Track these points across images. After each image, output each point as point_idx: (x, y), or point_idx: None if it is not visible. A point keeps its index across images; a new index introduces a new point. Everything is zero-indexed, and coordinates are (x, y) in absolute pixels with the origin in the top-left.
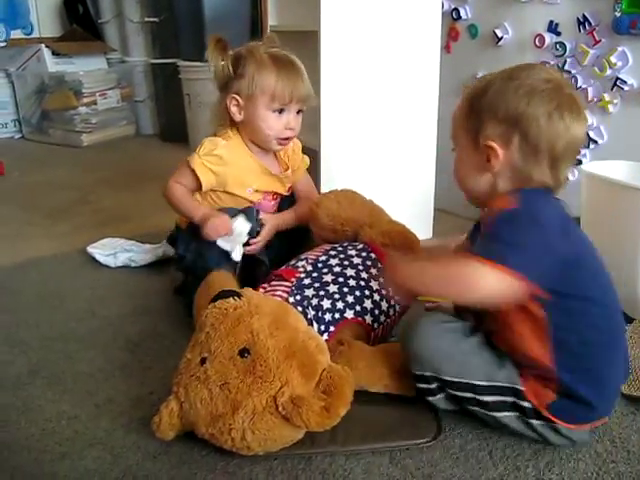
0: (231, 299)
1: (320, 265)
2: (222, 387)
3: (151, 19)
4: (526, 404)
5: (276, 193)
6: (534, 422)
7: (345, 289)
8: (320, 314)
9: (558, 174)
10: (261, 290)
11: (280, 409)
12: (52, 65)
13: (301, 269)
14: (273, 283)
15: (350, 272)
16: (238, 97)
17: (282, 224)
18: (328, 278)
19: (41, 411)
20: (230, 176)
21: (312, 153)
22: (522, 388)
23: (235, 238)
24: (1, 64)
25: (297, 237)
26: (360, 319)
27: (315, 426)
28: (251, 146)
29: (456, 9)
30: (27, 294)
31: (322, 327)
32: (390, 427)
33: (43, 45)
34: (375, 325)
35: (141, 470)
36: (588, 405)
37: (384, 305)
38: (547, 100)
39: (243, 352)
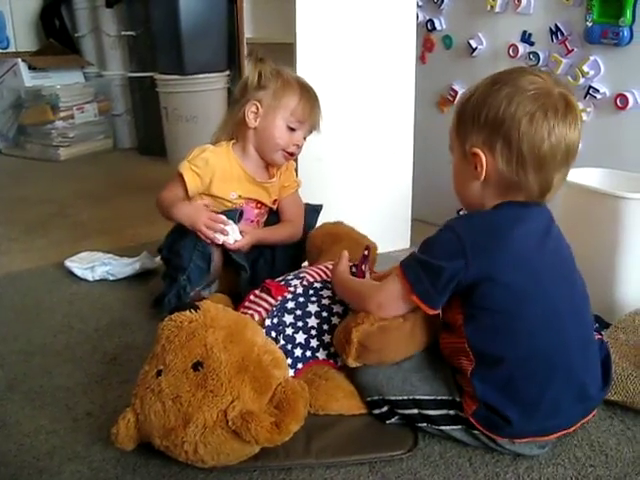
0: (187, 312)
1: (311, 292)
2: (174, 400)
3: (128, 33)
4: (464, 415)
5: (260, 202)
6: (476, 432)
7: (325, 326)
8: (290, 347)
9: (547, 178)
10: (246, 302)
11: (230, 424)
12: (28, 79)
13: (292, 289)
14: (260, 295)
15: (337, 309)
16: (259, 104)
17: (262, 240)
18: (312, 309)
19: (19, 426)
20: (215, 179)
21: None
22: (460, 399)
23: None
24: None
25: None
26: (332, 362)
27: (264, 442)
28: (248, 154)
29: (431, 20)
30: (4, 308)
31: (289, 361)
32: (365, 439)
33: (19, 59)
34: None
35: None
36: (505, 419)
37: None
38: (529, 102)
39: (196, 366)
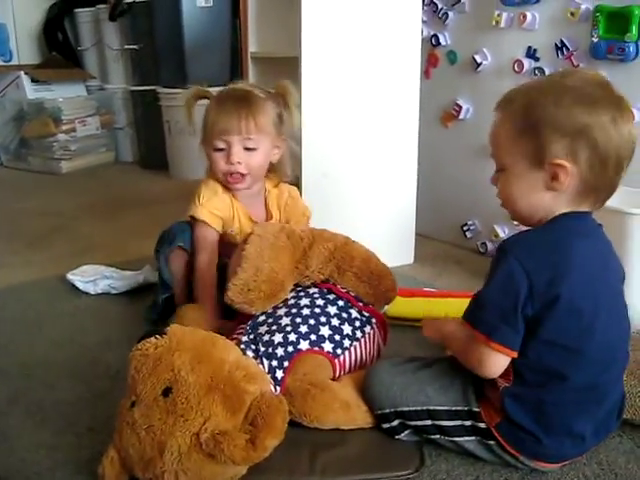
0: (153, 338)
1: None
2: (147, 430)
3: (131, 46)
4: (482, 425)
5: None
6: (492, 444)
7: (298, 319)
8: (271, 350)
9: (619, 180)
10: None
11: (204, 446)
12: (31, 92)
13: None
14: (238, 328)
15: (304, 301)
16: (201, 144)
17: None
18: (281, 312)
19: (20, 440)
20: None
21: (294, 181)
22: (478, 410)
23: None
24: None
25: None
26: (317, 349)
27: (241, 461)
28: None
29: (435, 35)
30: (6, 321)
31: (275, 363)
32: (372, 459)
33: (22, 72)
34: (338, 351)
35: None
36: (532, 436)
37: (347, 329)
38: (607, 105)
39: (166, 391)
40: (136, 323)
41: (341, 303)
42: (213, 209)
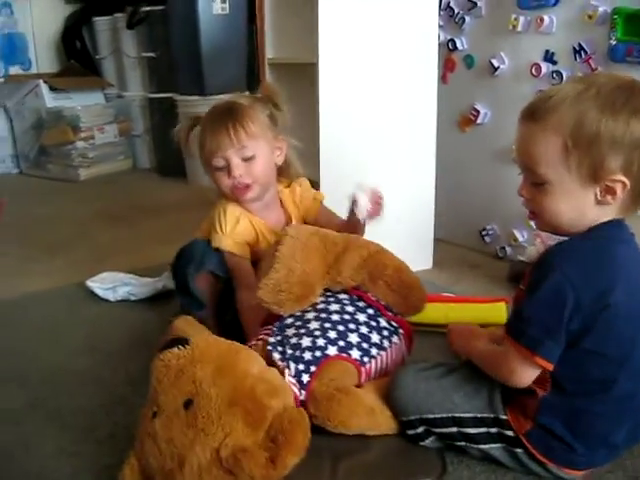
0: (175, 349)
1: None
2: (168, 442)
3: (148, 54)
4: (510, 433)
5: None
6: (519, 452)
7: (327, 324)
8: (299, 353)
9: None
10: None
11: (224, 463)
12: (50, 100)
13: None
14: (265, 328)
15: (334, 307)
16: (205, 170)
17: None
18: (310, 315)
19: (41, 447)
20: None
21: (312, 185)
22: (505, 417)
23: None
24: None
25: None
26: (345, 355)
27: (261, 479)
28: (248, 205)
29: (452, 40)
30: (26, 328)
31: (302, 367)
32: (394, 466)
33: (41, 80)
34: (365, 359)
35: None
36: (565, 444)
37: (375, 337)
38: None
39: (188, 404)
40: (156, 329)
41: (371, 311)
42: (237, 237)
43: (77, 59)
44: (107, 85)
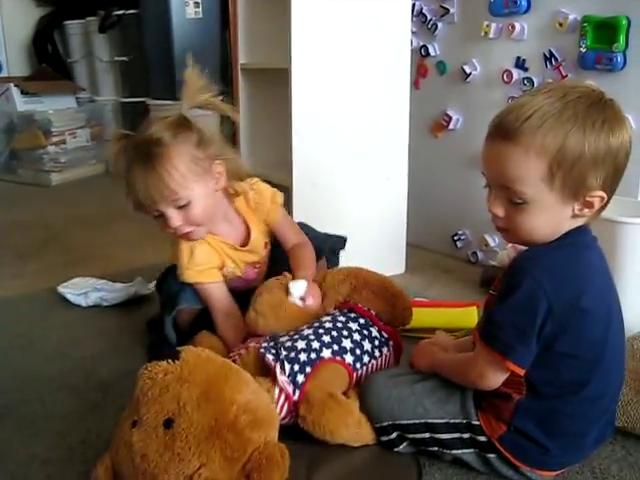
0: (164, 362)
1: None
2: (142, 458)
3: (120, 58)
4: (482, 438)
5: (255, 261)
6: (491, 457)
7: (320, 330)
8: (294, 354)
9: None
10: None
11: None
12: (21, 104)
13: None
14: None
15: (326, 318)
16: None
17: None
18: (303, 326)
19: (12, 454)
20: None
21: (284, 190)
22: (477, 423)
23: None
24: None
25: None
26: (339, 359)
27: None
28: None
29: (425, 46)
30: None
31: (297, 367)
32: (368, 473)
33: (12, 84)
34: (357, 365)
35: None
36: (540, 446)
37: (367, 345)
38: (623, 123)
39: (168, 422)
40: (128, 335)
41: (362, 321)
42: (199, 267)
43: (49, 63)
44: (79, 89)
